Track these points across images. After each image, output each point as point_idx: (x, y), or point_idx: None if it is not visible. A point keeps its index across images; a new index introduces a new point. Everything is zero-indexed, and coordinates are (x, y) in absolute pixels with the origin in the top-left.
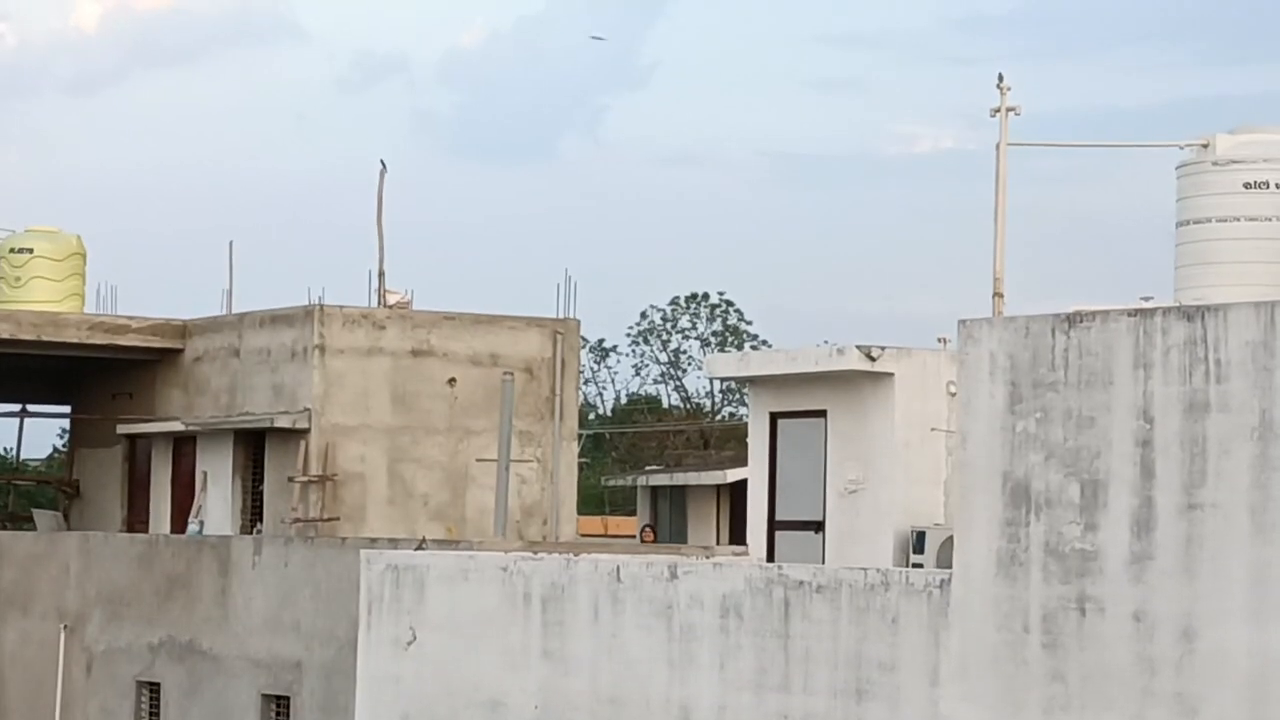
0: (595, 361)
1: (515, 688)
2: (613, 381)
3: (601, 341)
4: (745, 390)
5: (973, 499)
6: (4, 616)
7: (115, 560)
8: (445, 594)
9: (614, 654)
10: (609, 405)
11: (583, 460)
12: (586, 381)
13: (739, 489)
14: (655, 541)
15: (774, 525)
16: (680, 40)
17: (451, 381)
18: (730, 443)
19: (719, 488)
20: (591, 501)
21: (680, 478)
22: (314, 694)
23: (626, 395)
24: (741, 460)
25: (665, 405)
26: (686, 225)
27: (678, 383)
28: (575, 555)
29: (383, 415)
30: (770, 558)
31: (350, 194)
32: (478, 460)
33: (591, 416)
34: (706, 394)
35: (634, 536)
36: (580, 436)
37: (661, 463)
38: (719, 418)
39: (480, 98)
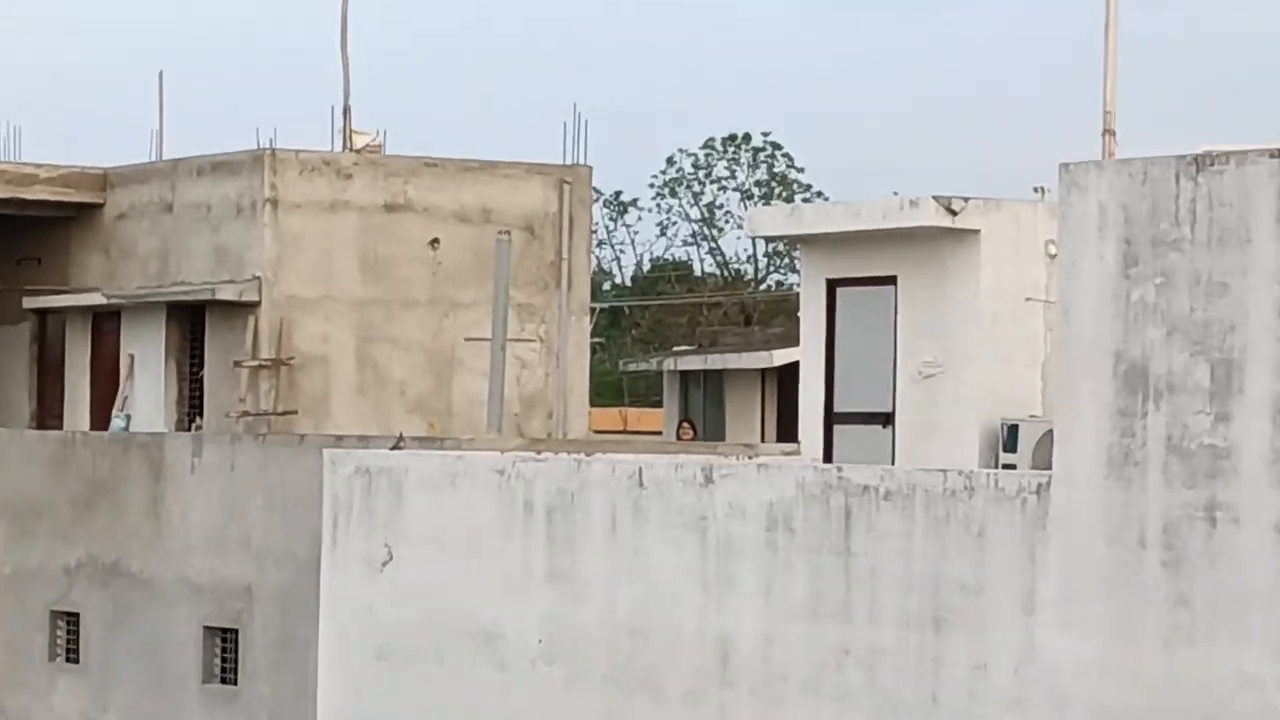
0: (611, 219)
1: (514, 617)
2: (633, 243)
3: (619, 195)
4: (796, 252)
5: (1077, 385)
6: None
7: (22, 464)
8: (428, 503)
9: (635, 576)
10: (628, 273)
11: (596, 340)
12: (601, 243)
13: (788, 374)
14: (694, 439)
15: (831, 418)
16: None
17: (434, 243)
18: (778, 317)
19: (764, 372)
20: (608, 390)
21: (716, 361)
22: (267, 626)
23: (650, 260)
24: (791, 339)
25: (697, 272)
26: (725, 52)
27: (713, 244)
28: (587, 456)
29: (349, 285)
30: (827, 457)
31: (308, 12)
32: (466, 340)
33: (607, 286)
34: (748, 258)
35: (658, 433)
36: (593, 311)
37: (693, 342)
38: (763, 287)
39: None
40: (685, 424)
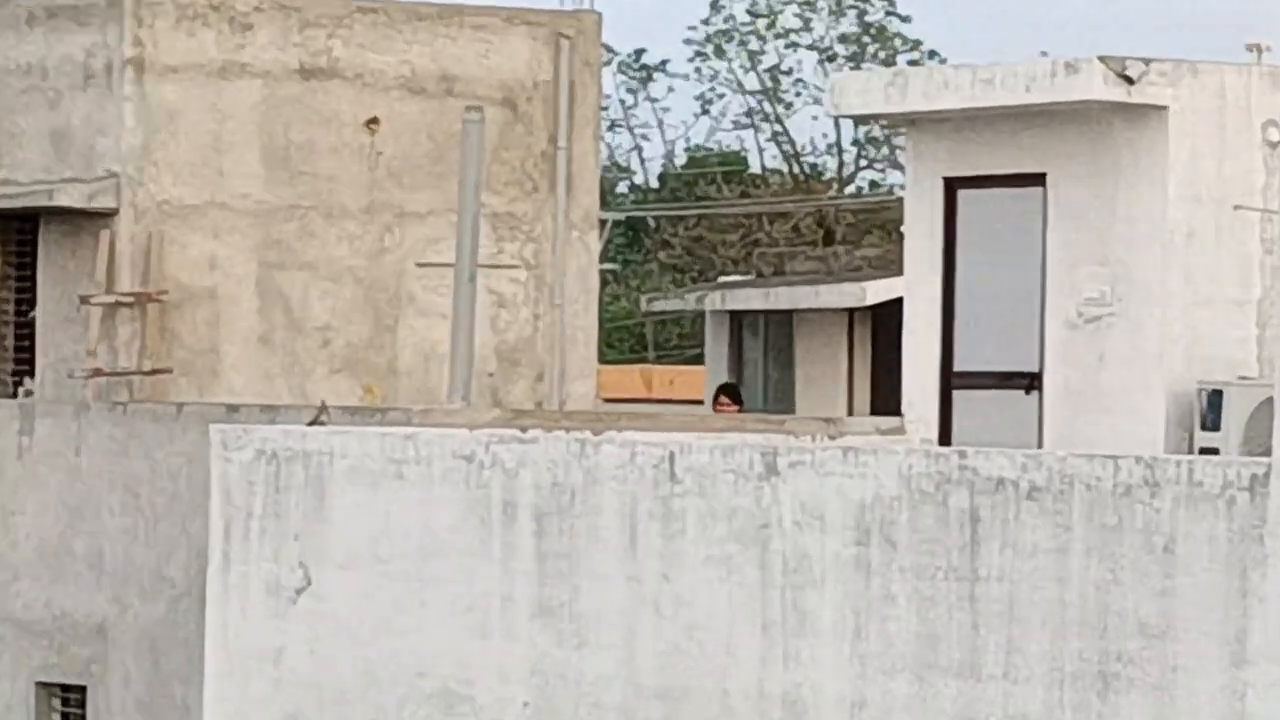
0: (631, 90)
1: (489, 669)
2: (661, 127)
3: (641, 56)
4: (900, 140)
5: None
6: None
7: None
8: (363, 504)
9: (664, 611)
10: (654, 169)
11: (608, 267)
12: (615, 126)
13: (887, 316)
14: (739, 411)
15: (950, 380)
16: None
17: (371, 125)
18: (871, 235)
19: (851, 314)
20: (625, 340)
21: (783, 296)
22: (129, 682)
23: (686, 150)
24: (891, 265)
25: (754, 168)
26: None
27: (777, 128)
28: (595, 435)
29: (249, 185)
30: (944, 437)
31: None
32: (419, 266)
33: (623, 188)
34: (829, 147)
35: (698, 401)
36: (604, 224)
37: (749, 271)
38: (850, 190)
39: None
40: (723, 396)
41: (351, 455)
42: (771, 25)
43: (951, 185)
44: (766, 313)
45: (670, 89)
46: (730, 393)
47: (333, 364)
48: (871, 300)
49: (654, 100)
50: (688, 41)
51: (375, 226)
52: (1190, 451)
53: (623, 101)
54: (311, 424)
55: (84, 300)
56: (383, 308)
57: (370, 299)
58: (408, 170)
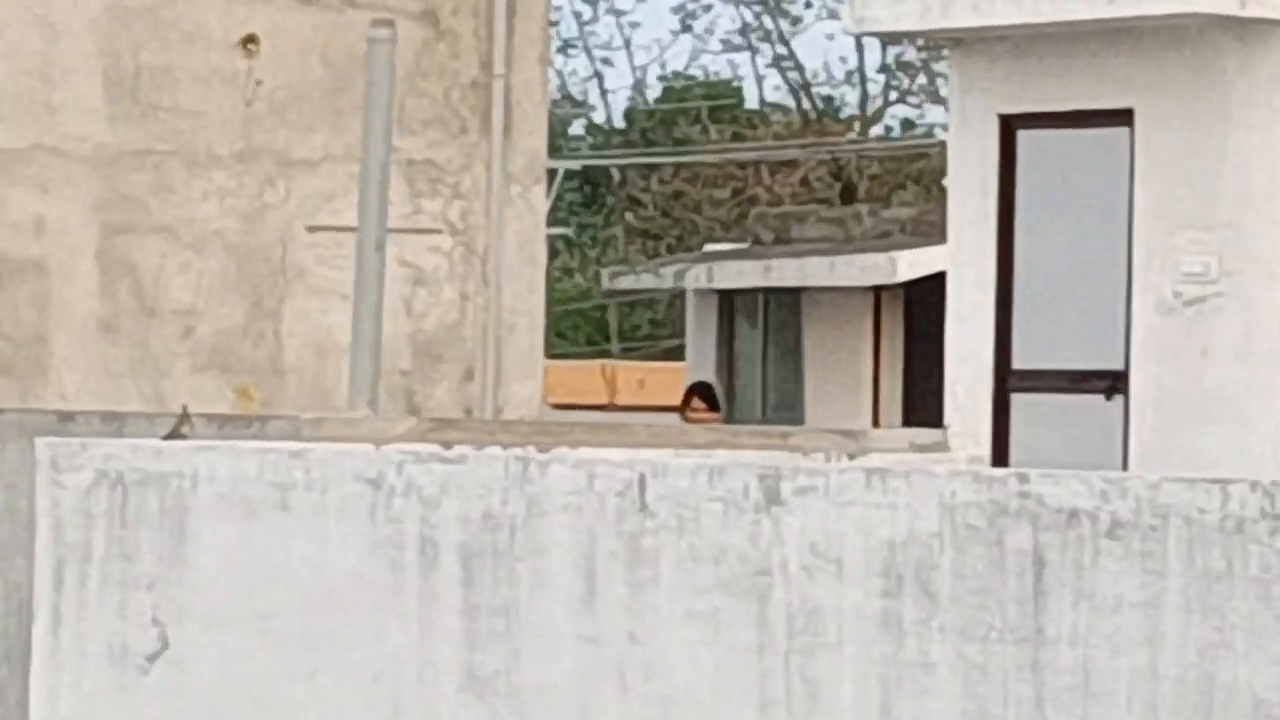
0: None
1: None
2: (628, 48)
3: None
4: (942, 65)
5: None
6: None
7: None
8: (237, 542)
9: (633, 683)
10: (619, 104)
11: (559, 232)
12: (568, 47)
13: (924, 297)
14: (718, 418)
15: (1008, 381)
16: None
17: (249, 45)
18: (903, 189)
19: (878, 295)
20: (583, 327)
21: (788, 270)
22: None
23: (661, 78)
24: (930, 230)
25: (750, 102)
26: None
27: (780, 51)
28: (542, 452)
29: (88, 124)
30: (999, 456)
31: None
32: (310, 230)
33: (578, 129)
34: (847, 76)
35: (677, 408)
36: (552, 176)
37: (743, 237)
38: (875, 130)
39: None
40: (694, 398)
41: (221, 479)
42: None
43: (1009, 125)
44: (767, 292)
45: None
46: (703, 394)
47: (197, 359)
48: (904, 276)
49: (619, 13)
50: None
51: (253, 179)
52: None
53: (578, 15)
54: (169, 437)
55: None
56: (263, 285)
57: (246, 273)
58: (295, 105)
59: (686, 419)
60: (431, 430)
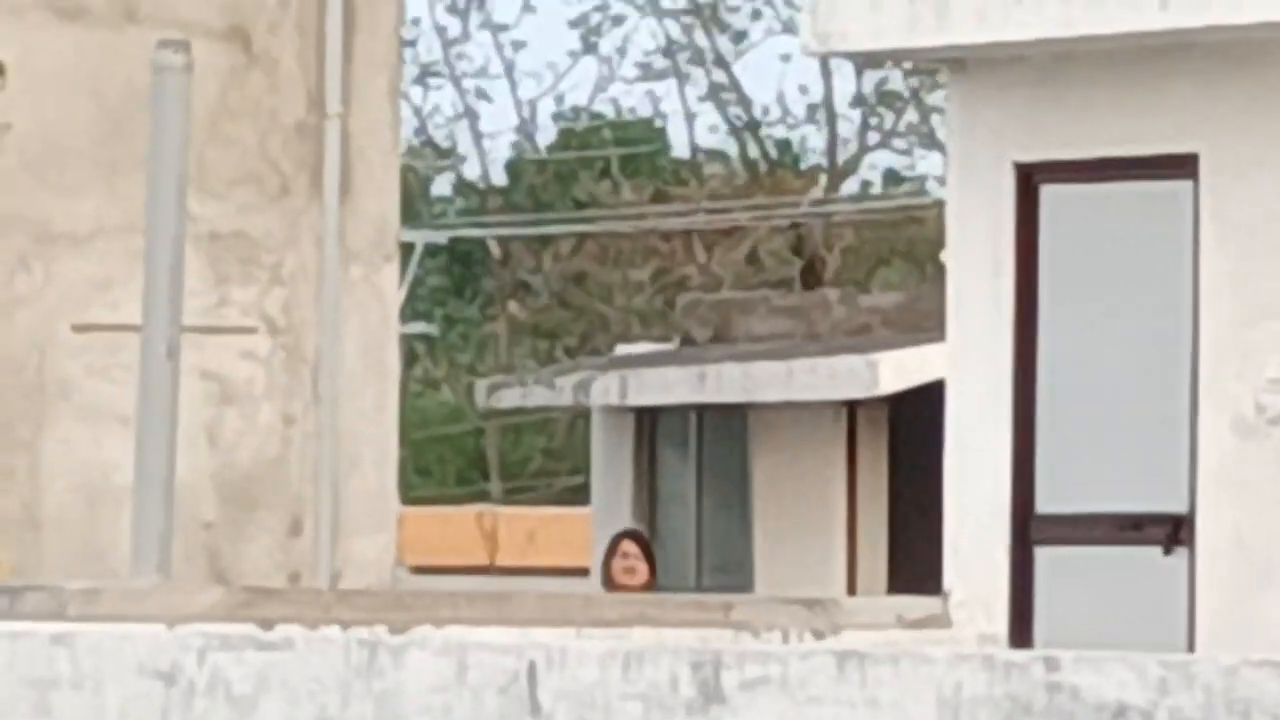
0: (458, 10)
1: None
2: (512, 75)
3: None
4: (938, 96)
5: None
6: None
7: None
8: None
9: None
10: (501, 152)
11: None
12: (427, 74)
13: (915, 414)
14: (650, 583)
15: (1030, 529)
16: None
17: None
18: (887, 266)
19: (853, 412)
20: (451, 461)
21: (729, 381)
22: None
23: (556, 117)
24: (924, 322)
25: (679, 148)
26: None
27: (719, 78)
28: (396, 634)
29: None
30: (1019, 633)
31: None
32: (77, 330)
33: (446, 187)
34: (809, 112)
35: (580, 571)
36: (409, 252)
37: (667, 334)
38: (849, 188)
39: None
40: (627, 541)
41: None
42: None
43: (1029, 177)
44: (701, 410)
45: (527, 7)
46: (638, 541)
47: None
48: (888, 386)
49: (498, 28)
50: None
51: (0, 258)
52: None
53: (442, 31)
54: None
55: None
56: (13, 407)
57: None
58: (56, 157)
59: (612, 578)
60: (245, 605)
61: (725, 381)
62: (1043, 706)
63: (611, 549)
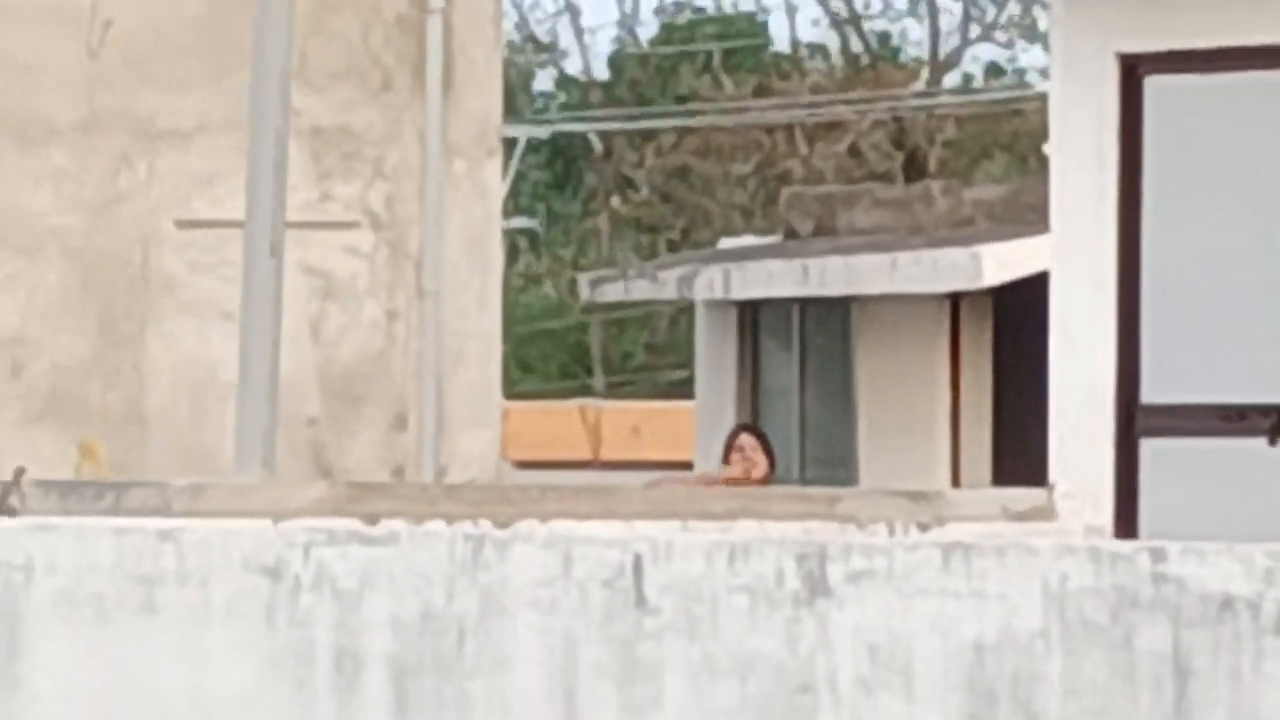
0: None
1: None
2: None
3: None
4: None
5: None
6: None
7: None
8: (85, 656)
9: None
10: (603, 48)
11: (522, 225)
12: None
13: (1020, 307)
14: (770, 476)
15: (1135, 421)
16: None
17: None
18: (989, 160)
19: (956, 304)
20: (554, 354)
21: (833, 274)
22: None
23: (657, 13)
24: (1028, 215)
25: (782, 44)
26: None
27: None
28: (501, 529)
29: None
30: (1126, 524)
31: None
32: (180, 226)
33: (548, 82)
34: (910, 5)
35: (683, 464)
36: (511, 147)
37: (771, 228)
38: (950, 80)
39: None
40: (744, 435)
41: (63, 569)
42: None
43: (1134, 68)
44: (805, 303)
45: None
46: (756, 434)
47: (28, 404)
48: (992, 279)
49: None
50: None
51: (101, 157)
52: None
53: None
54: None
55: None
56: (116, 303)
57: (94, 288)
58: (158, 55)
59: (728, 471)
60: (350, 500)
61: (828, 274)
62: (1149, 598)
63: (729, 444)
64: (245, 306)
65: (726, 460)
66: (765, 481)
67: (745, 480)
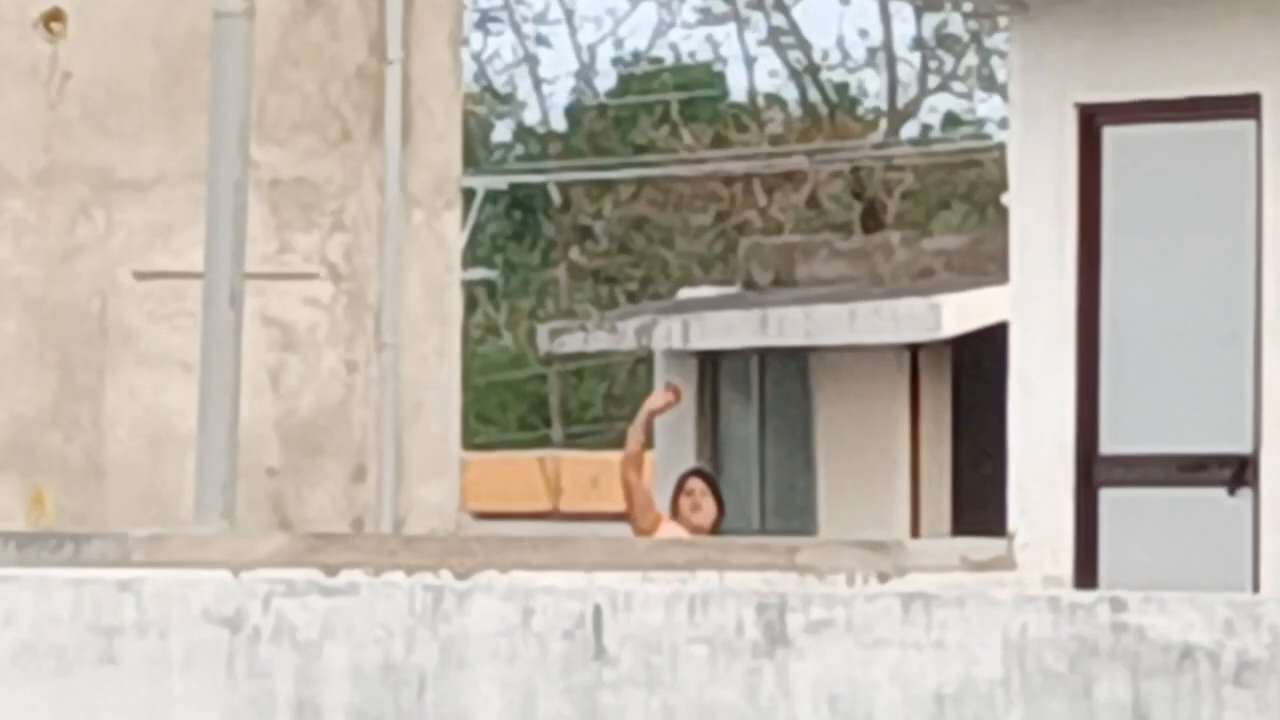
0: None
1: None
2: (571, 21)
3: None
4: (999, 38)
5: None
6: None
7: None
8: (48, 708)
9: None
10: (560, 98)
11: (480, 276)
12: (487, 19)
13: (977, 356)
14: (718, 522)
15: (1094, 471)
16: None
17: (52, 23)
18: (947, 210)
19: (914, 355)
20: (513, 405)
21: (792, 325)
22: None
23: (615, 62)
24: (987, 265)
25: (737, 92)
26: None
27: (778, 22)
28: (460, 579)
29: None
30: (1085, 574)
31: None
32: (139, 278)
33: (506, 132)
34: (869, 55)
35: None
36: (470, 198)
37: (729, 278)
38: (909, 131)
39: None
40: (692, 479)
41: (21, 621)
42: None
43: (1092, 118)
44: (764, 353)
45: None
46: (706, 479)
47: None
48: (951, 329)
49: None
50: None
51: (60, 207)
52: None
53: None
54: None
55: None
56: (75, 354)
57: (52, 338)
58: (117, 105)
59: (677, 516)
60: (309, 550)
61: (787, 325)
62: (1109, 647)
63: (678, 488)
64: (204, 357)
65: (675, 504)
66: (714, 528)
67: (697, 526)
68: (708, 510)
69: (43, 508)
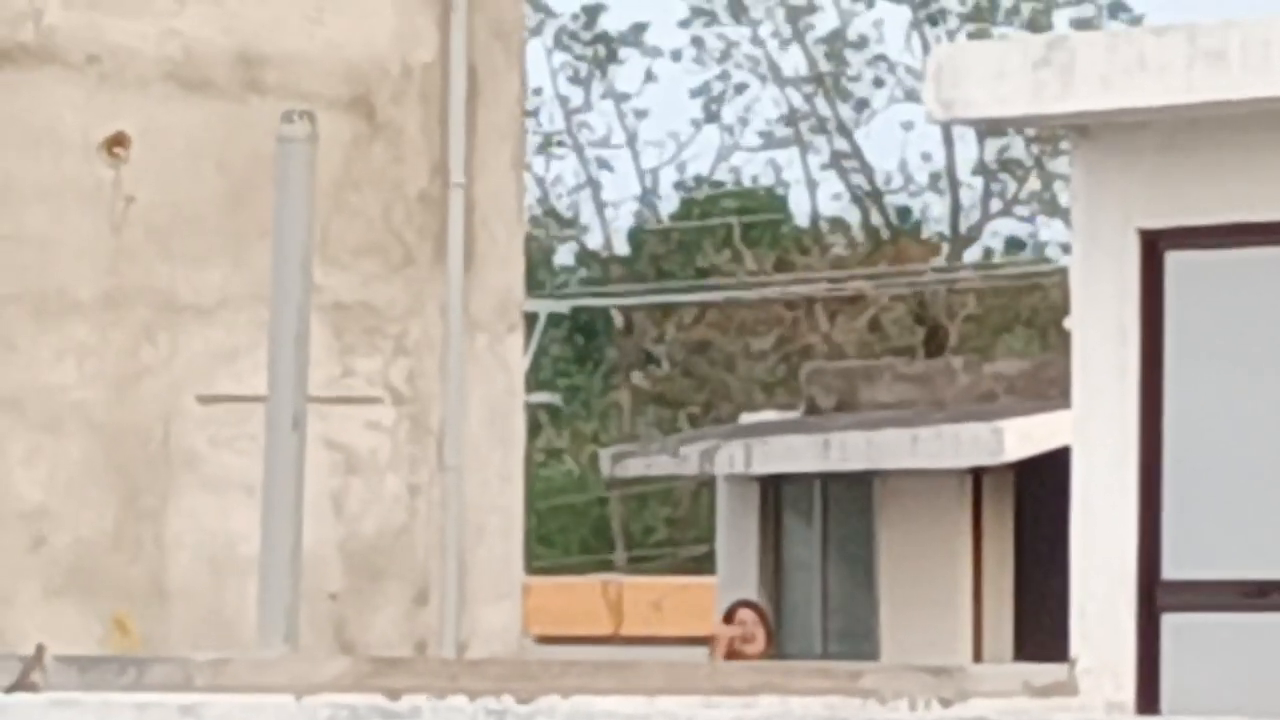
0: (580, 79)
1: None
2: (634, 145)
3: (597, 17)
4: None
5: None
6: None
7: None
8: None
9: None
10: (623, 222)
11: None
12: (550, 144)
13: (1041, 481)
14: (768, 651)
15: (1157, 595)
16: None
17: (116, 148)
18: (1010, 334)
19: (978, 479)
20: (575, 529)
21: (854, 449)
22: None
23: (678, 187)
24: (1049, 389)
25: (801, 217)
26: None
27: (842, 146)
28: (523, 703)
29: None
30: (1147, 700)
31: None
32: (201, 401)
33: (568, 256)
34: (932, 180)
35: (707, 640)
36: (532, 322)
37: (792, 402)
38: (971, 255)
39: None
40: (743, 610)
41: None
42: None
43: (1155, 244)
44: (826, 478)
45: (650, 76)
46: (755, 609)
47: (51, 578)
48: (1013, 453)
49: (621, 97)
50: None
51: (123, 330)
52: None
53: (564, 100)
54: (14, 689)
55: None
56: (139, 477)
57: (116, 461)
58: (180, 229)
59: (726, 645)
60: (372, 675)
61: (850, 449)
62: None
63: (728, 618)
64: (267, 481)
65: (720, 636)
66: (764, 657)
67: (746, 655)
68: (758, 640)
69: (128, 632)
